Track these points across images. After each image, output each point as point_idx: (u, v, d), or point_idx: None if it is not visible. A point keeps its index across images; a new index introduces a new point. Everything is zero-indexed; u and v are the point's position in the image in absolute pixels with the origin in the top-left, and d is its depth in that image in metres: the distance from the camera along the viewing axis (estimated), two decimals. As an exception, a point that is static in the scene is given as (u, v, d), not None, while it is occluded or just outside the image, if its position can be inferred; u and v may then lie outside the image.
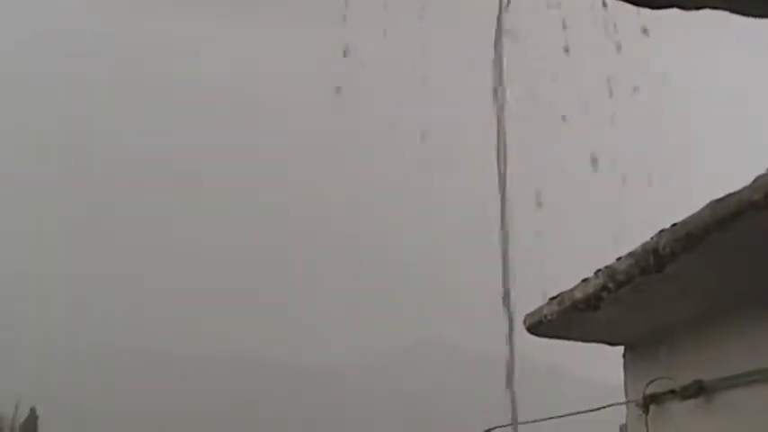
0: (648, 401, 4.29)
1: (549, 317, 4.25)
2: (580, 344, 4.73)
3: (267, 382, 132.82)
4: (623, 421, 4.70)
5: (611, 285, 3.74)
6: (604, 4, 2.58)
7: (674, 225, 3.37)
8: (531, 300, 4.36)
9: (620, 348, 4.79)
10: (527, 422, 4.43)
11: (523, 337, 4.42)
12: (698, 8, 2.62)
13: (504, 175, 2.93)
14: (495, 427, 4.35)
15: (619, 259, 3.69)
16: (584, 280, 3.94)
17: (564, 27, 2.77)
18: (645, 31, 2.71)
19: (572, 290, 4.03)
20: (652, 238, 3.48)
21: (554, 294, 4.22)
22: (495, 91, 2.88)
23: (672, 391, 4.13)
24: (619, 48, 2.65)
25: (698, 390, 3.98)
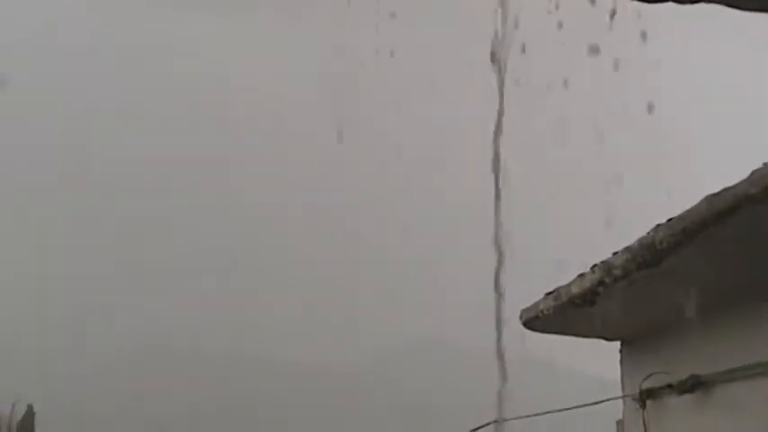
0: (645, 396, 4.29)
1: (545, 312, 4.25)
2: (577, 339, 4.74)
3: (265, 380, 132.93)
4: (620, 416, 4.71)
5: (607, 280, 3.74)
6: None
7: (670, 220, 3.37)
8: (527, 295, 4.37)
9: (617, 343, 4.79)
10: (525, 417, 4.43)
11: (520, 333, 4.42)
12: (693, 2, 2.61)
13: (500, 173, 2.94)
14: (487, 423, 4.36)
15: (615, 254, 3.68)
16: (581, 275, 3.94)
17: (560, 27, 2.76)
18: (643, 35, 2.70)
19: (568, 285, 4.03)
20: (648, 233, 3.47)
21: (550, 290, 4.22)
22: (499, 91, 2.89)
23: (669, 386, 4.13)
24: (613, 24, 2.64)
25: (694, 384, 3.98)
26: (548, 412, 4.66)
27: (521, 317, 4.41)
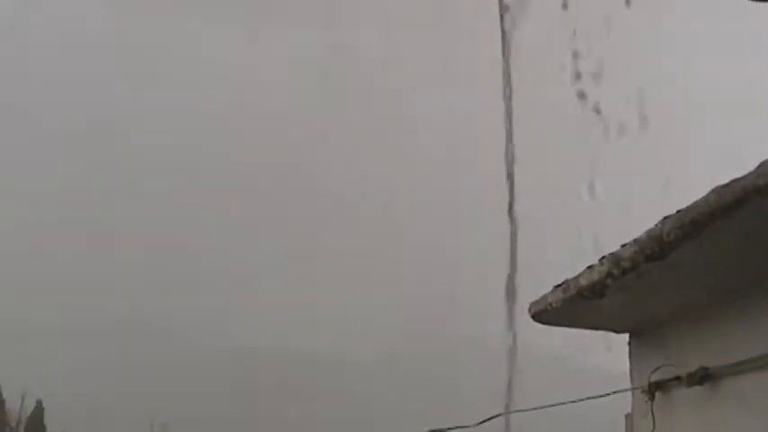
0: (654, 388, 4.29)
1: (554, 304, 4.26)
2: (585, 331, 4.74)
3: (267, 372, 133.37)
4: (629, 409, 4.71)
5: (615, 272, 3.74)
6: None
7: (678, 212, 3.37)
8: (536, 288, 4.37)
9: (626, 336, 4.79)
10: (533, 409, 4.45)
11: (529, 325, 4.43)
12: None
13: (512, 166, 2.95)
14: (496, 415, 4.37)
15: (623, 246, 3.69)
16: (589, 267, 3.94)
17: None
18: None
19: (577, 277, 4.03)
20: (656, 225, 3.48)
21: (559, 282, 4.22)
22: (504, 89, 2.90)
23: (677, 378, 4.13)
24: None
25: (703, 376, 3.98)
26: (556, 404, 4.67)
27: (529, 309, 4.41)
